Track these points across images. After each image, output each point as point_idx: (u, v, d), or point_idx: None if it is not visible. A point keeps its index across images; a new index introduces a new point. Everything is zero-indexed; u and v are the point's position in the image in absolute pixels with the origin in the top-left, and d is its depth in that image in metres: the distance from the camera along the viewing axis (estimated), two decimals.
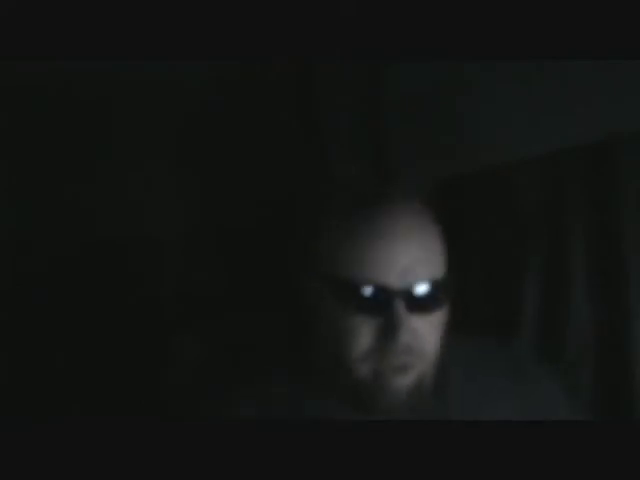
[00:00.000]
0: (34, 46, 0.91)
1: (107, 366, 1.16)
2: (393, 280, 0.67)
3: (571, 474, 0.61)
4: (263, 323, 1.08)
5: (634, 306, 0.96)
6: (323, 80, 1.25)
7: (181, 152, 1.28)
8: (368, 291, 0.67)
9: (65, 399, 1.13)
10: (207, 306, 1.21)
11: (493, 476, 0.63)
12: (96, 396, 1.14)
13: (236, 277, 1.23)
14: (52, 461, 0.65)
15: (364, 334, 0.68)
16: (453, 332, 0.82)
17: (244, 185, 1.26)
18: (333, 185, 1.22)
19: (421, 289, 0.67)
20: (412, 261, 0.67)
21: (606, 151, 0.99)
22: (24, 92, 1.18)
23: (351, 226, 0.69)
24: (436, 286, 0.69)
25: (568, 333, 1.02)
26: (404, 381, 0.69)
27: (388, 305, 0.67)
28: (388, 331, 0.67)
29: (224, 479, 0.66)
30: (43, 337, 1.17)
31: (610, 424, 0.68)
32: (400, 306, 0.66)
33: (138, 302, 1.22)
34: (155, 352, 1.15)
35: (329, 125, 1.27)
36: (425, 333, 0.69)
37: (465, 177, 1.13)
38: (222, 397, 0.80)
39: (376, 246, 0.67)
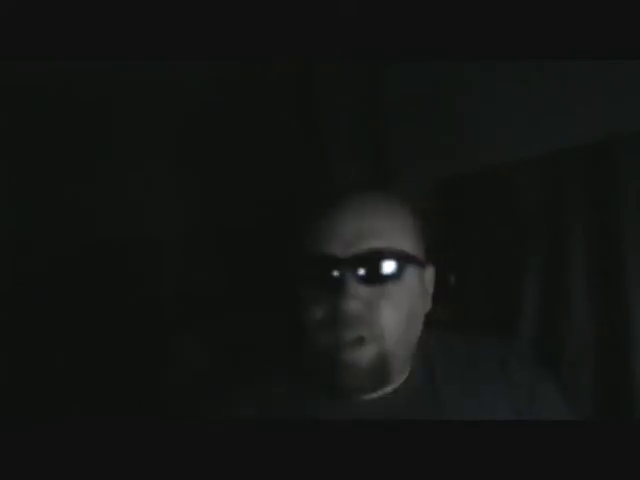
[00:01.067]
0: (34, 46, 0.91)
1: (107, 366, 1.16)
2: (338, 249, 0.69)
3: (571, 474, 0.61)
4: (263, 323, 1.08)
5: (634, 306, 0.96)
6: (323, 80, 1.25)
7: (181, 152, 1.28)
8: (318, 262, 0.70)
9: (65, 399, 1.13)
10: (207, 306, 1.21)
11: (493, 477, 0.63)
12: (96, 396, 1.14)
13: (236, 277, 1.23)
14: (52, 461, 0.65)
15: (316, 304, 0.70)
16: (452, 332, 0.82)
17: (244, 185, 1.26)
18: (331, 185, 1.22)
19: (371, 262, 0.69)
20: (359, 232, 0.70)
21: (606, 151, 0.99)
22: (24, 92, 1.18)
23: (318, 212, 0.73)
24: (392, 258, 0.70)
25: (568, 333, 1.02)
26: (362, 355, 0.69)
27: (335, 274, 0.69)
28: (335, 299, 0.68)
29: (224, 479, 0.66)
30: (43, 337, 1.17)
31: (610, 424, 0.68)
32: (347, 275, 0.68)
33: (138, 302, 1.22)
34: (155, 352, 1.15)
35: (329, 125, 1.27)
36: (380, 306, 0.70)
37: (465, 177, 1.13)
38: (222, 397, 0.80)
39: (326, 220, 0.71)
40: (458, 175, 1.14)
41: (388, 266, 0.70)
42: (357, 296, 0.68)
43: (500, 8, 0.87)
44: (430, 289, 0.79)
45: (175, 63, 1.04)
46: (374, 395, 0.74)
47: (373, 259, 0.69)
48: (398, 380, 0.75)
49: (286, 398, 0.77)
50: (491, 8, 0.87)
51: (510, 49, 0.90)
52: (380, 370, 0.70)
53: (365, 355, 0.69)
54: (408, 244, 0.73)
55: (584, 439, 0.64)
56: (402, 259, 0.71)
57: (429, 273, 0.79)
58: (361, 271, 0.69)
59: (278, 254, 1.12)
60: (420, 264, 0.75)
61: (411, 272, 0.73)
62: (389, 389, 0.74)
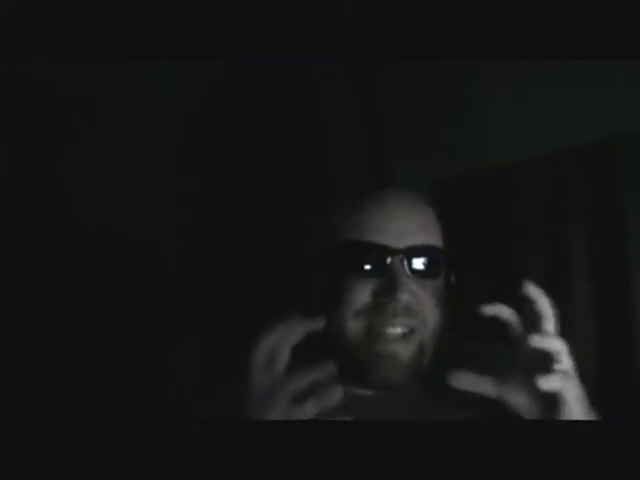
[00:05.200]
0: (34, 46, 0.91)
1: (106, 368, 1.16)
2: (392, 241, 0.70)
3: (573, 474, 0.61)
4: (262, 322, 1.08)
5: (636, 305, 0.96)
6: (323, 80, 1.25)
7: (181, 153, 1.28)
8: (369, 251, 0.70)
9: (64, 400, 1.13)
10: (207, 307, 1.21)
11: (493, 476, 0.63)
12: (95, 397, 1.13)
13: (236, 277, 1.23)
14: (51, 463, 0.65)
15: (364, 292, 0.70)
16: (452, 332, 0.82)
17: (244, 185, 1.26)
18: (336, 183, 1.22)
19: (419, 255, 0.71)
20: (410, 227, 0.71)
21: (606, 151, 0.99)
22: (24, 92, 1.18)
23: (359, 204, 0.73)
24: (433, 254, 0.72)
25: (569, 333, 1.02)
26: (405, 346, 0.70)
27: (388, 264, 0.70)
28: (387, 288, 0.69)
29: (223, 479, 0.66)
30: (42, 338, 1.17)
31: (610, 424, 0.68)
32: (399, 265, 0.69)
33: (138, 303, 1.22)
34: (155, 353, 1.15)
35: (329, 125, 1.27)
36: (424, 298, 0.71)
37: (465, 177, 1.13)
38: (221, 397, 0.80)
39: (378, 213, 0.72)
40: (458, 175, 1.14)
41: (435, 262, 0.72)
42: (407, 288, 0.69)
43: (500, 8, 0.87)
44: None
45: (175, 63, 1.04)
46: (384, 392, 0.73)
47: (424, 253, 0.71)
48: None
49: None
50: (491, 8, 0.87)
51: (510, 49, 0.90)
52: (417, 363, 0.71)
53: (408, 347, 0.70)
54: (441, 245, 0.75)
55: (584, 439, 0.64)
56: (442, 258, 0.73)
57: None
58: (411, 264, 0.70)
59: (278, 254, 1.12)
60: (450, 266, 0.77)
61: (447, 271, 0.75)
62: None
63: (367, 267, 0.70)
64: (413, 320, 0.70)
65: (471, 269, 1.11)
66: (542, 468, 0.62)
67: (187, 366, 1.13)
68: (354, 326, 0.71)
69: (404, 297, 0.69)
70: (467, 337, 0.84)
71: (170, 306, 1.22)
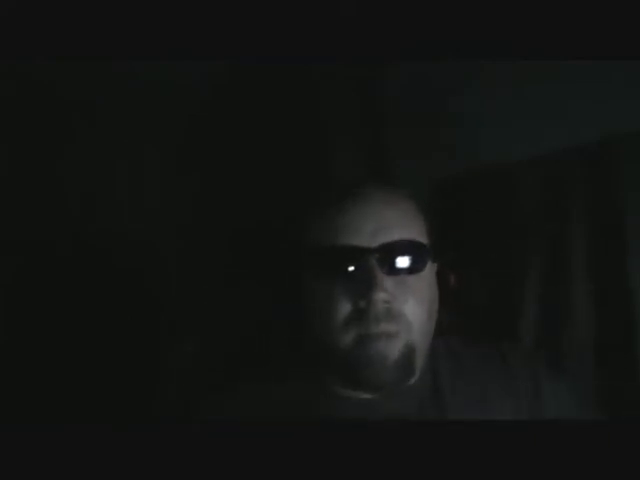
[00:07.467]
0: (34, 46, 0.91)
1: (106, 368, 1.16)
2: (367, 240, 0.69)
3: (572, 474, 0.61)
4: (262, 322, 1.08)
5: (635, 305, 0.96)
6: (323, 80, 1.25)
7: (181, 152, 1.28)
8: (344, 255, 0.70)
9: (64, 400, 1.13)
10: (207, 307, 1.21)
11: (493, 476, 0.63)
12: (95, 397, 1.13)
13: (236, 277, 1.23)
14: (51, 463, 0.65)
15: (346, 298, 0.69)
16: (452, 333, 0.82)
17: (244, 185, 1.26)
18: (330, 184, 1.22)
19: (396, 251, 0.70)
20: (385, 223, 0.70)
21: (606, 151, 0.99)
22: (24, 92, 1.18)
23: (338, 205, 0.73)
24: (412, 249, 0.71)
25: (569, 333, 1.02)
26: (391, 347, 0.69)
27: (362, 265, 0.69)
28: (364, 289, 0.68)
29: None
30: (42, 338, 1.17)
31: (610, 424, 0.68)
32: (374, 265, 0.68)
33: (138, 303, 1.22)
34: (155, 353, 1.15)
35: (329, 125, 1.27)
36: (406, 298, 0.70)
37: (465, 177, 1.13)
38: (220, 398, 0.80)
39: (353, 214, 0.71)
40: (458, 175, 1.14)
41: (412, 258, 0.71)
42: (384, 288, 0.68)
43: (500, 8, 0.87)
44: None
45: (175, 63, 1.04)
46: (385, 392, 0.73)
47: (401, 248, 0.70)
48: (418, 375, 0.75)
49: (287, 398, 0.76)
50: (491, 8, 0.88)
51: (510, 49, 0.90)
52: (406, 363, 0.70)
53: (394, 348, 0.69)
54: (425, 239, 0.74)
55: (584, 439, 0.64)
56: (424, 252, 0.73)
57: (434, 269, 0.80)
58: (387, 261, 0.69)
59: (279, 255, 1.12)
60: (434, 259, 0.76)
61: (429, 266, 0.74)
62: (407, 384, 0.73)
63: (349, 270, 0.69)
64: (395, 322, 0.69)
65: (471, 269, 1.11)
66: (542, 468, 0.62)
67: (187, 366, 1.12)
68: (342, 334, 0.70)
69: (380, 296, 0.68)
70: (466, 337, 0.84)
71: (170, 306, 1.22)
